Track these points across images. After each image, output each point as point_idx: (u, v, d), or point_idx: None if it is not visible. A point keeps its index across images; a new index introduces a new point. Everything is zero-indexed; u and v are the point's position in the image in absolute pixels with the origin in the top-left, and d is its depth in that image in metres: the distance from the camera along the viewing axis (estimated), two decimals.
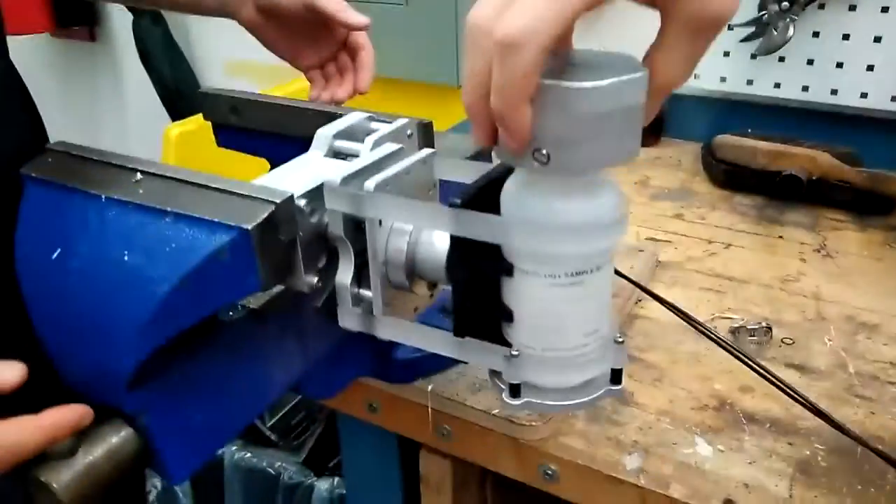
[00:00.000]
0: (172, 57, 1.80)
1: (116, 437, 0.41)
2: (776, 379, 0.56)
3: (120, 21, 1.97)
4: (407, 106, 1.46)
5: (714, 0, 0.32)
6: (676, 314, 0.63)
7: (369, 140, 0.47)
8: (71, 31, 2.07)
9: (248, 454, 1.24)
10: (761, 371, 0.57)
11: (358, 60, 0.80)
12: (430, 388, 0.62)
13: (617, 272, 0.59)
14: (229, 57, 1.81)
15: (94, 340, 0.41)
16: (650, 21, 0.35)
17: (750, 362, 0.58)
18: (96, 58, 2.12)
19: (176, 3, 0.81)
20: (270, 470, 1.22)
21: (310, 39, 0.80)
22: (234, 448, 1.25)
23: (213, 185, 0.42)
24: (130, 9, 1.78)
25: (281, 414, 1.32)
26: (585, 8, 0.30)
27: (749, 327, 0.70)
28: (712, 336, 0.61)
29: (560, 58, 0.35)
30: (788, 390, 0.56)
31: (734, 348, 0.59)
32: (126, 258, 0.40)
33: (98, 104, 2.19)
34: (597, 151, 0.34)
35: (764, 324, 0.71)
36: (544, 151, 0.33)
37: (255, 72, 1.67)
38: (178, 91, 1.80)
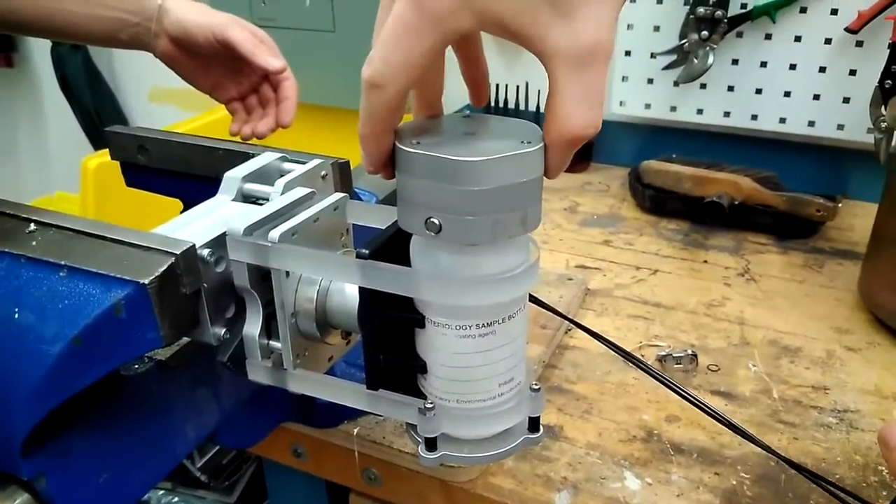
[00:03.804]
0: (93, 84, 1.74)
1: None
2: (706, 407, 0.56)
3: (39, 47, 1.91)
4: (336, 134, 1.44)
5: (581, 31, 0.30)
6: (604, 344, 0.63)
7: (280, 183, 0.46)
8: None
9: (176, 498, 1.19)
10: (692, 400, 0.57)
11: (280, 92, 0.79)
12: (355, 431, 0.60)
13: (544, 305, 0.58)
14: (153, 83, 1.77)
15: None
16: None
17: (681, 391, 0.58)
18: (14, 85, 2.05)
19: (90, 37, 0.78)
20: None
21: (228, 72, 0.78)
22: (161, 491, 1.20)
23: (111, 237, 0.40)
24: None
25: (211, 453, 1.27)
26: (432, 52, 0.32)
27: (675, 355, 0.71)
28: (641, 366, 0.60)
29: (474, 124, 0.35)
30: (720, 417, 0.56)
31: (665, 378, 0.59)
32: (16, 315, 0.38)
33: (17, 133, 2.11)
34: (488, 225, 0.33)
35: (690, 351, 0.71)
36: (435, 221, 0.33)
37: (180, 98, 1.63)
38: (101, 119, 1.74)
